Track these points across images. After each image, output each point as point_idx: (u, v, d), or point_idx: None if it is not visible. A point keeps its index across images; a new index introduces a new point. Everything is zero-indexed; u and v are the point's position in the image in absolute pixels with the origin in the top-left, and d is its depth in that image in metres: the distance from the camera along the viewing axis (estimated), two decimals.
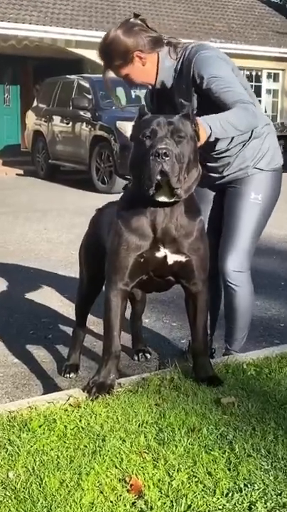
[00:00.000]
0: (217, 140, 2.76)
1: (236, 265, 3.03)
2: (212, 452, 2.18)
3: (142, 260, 2.62)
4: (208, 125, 2.62)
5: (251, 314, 3.24)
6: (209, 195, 3.18)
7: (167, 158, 2.39)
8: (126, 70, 2.86)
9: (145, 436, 2.27)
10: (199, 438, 2.26)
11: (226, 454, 2.18)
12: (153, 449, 2.20)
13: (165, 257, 2.63)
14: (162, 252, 2.63)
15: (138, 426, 2.35)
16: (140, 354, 3.63)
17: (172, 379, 2.74)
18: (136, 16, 2.90)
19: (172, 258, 2.64)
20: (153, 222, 2.58)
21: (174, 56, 2.90)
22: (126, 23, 2.86)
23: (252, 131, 2.95)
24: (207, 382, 2.71)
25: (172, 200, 2.53)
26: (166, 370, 2.85)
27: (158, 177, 2.41)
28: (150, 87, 3.00)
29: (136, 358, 3.62)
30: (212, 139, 2.67)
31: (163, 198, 2.52)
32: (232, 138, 2.90)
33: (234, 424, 2.37)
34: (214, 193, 3.18)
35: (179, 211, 2.60)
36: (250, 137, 2.97)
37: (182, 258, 2.65)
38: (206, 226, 2.87)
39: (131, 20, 2.88)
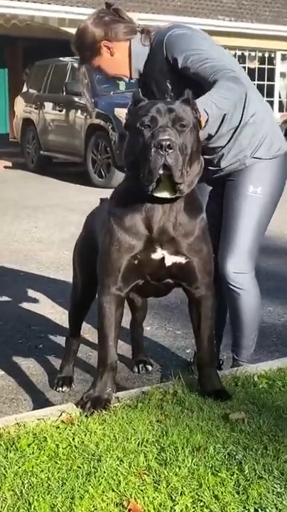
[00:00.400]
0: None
1: (237, 266, 3.04)
2: (219, 473, 2.18)
3: (136, 262, 2.62)
4: (203, 109, 2.62)
5: (259, 319, 3.24)
6: (205, 190, 3.18)
7: (170, 151, 2.38)
8: (96, 61, 3.03)
9: (145, 456, 2.27)
10: (205, 458, 2.26)
11: (235, 475, 2.17)
12: (154, 470, 2.20)
13: (163, 258, 2.63)
14: (159, 254, 2.63)
15: (138, 444, 2.35)
16: (140, 365, 3.63)
17: (176, 393, 2.74)
18: (108, 5, 3.03)
19: (170, 260, 2.64)
20: (148, 220, 2.58)
21: (147, 42, 2.97)
22: (96, 13, 3.03)
23: (242, 117, 2.96)
24: (214, 396, 2.71)
25: (174, 196, 2.53)
26: (169, 383, 2.85)
27: (161, 171, 2.40)
28: (126, 78, 3.07)
29: (136, 369, 3.63)
30: (210, 122, 2.67)
31: (164, 194, 2.51)
32: (219, 125, 2.92)
33: (244, 442, 2.37)
34: (210, 188, 3.18)
35: (178, 208, 2.60)
36: (240, 122, 2.97)
37: (181, 260, 2.65)
38: None
39: (103, 9, 3.04)
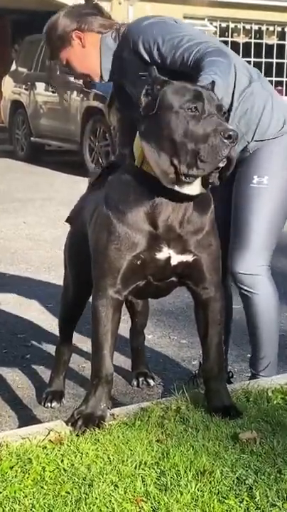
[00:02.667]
0: None
1: (246, 266, 3.05)
2: (226, 500, 2.17)
3: (139, 262, 2.62)
4: None
5: (278, 327, 3.23)
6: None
7: (234, 143, 2.42)
8: (65, 53, 3.10)
9: (143, 481, 2.26)
10: (210, 483, 2.25)
11: (245, 502, 2.16)
12: (153, 497, 2.19)
13: (169, 258, 2.63)
14: (165, 253, 2.63)
15: (135, 467, 2.34)
16: (141, 379, 3.63)
17: (179, 409, 2.73)
18: (88, 1, 3.17)
19: (176, 259, 2.64)
20: (155, 215, 2.58)
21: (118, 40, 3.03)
22: (71, 6, 3.21)
23: (233, 94, 2.97)
24: (222, 413, 2.70)
25: (202, 192, 2.55)
26: (171, 399, 2.84)
27: (221, 164, 2.44)
28: (96, 79, 3.13)
29: (135, 383, 3.63)
30: None
31: (193, 190, 2.52)
32: None
33: (255, 465, 2.36)
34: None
35: (188, 203, 2.60)
36: (232, 101, 2.98)
37: (188, 257, 2.65)
38: None
39: (81, 4, 3.21)
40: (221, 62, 2.75)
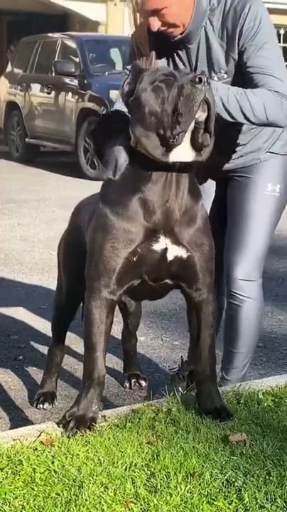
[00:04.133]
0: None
1: (246, 272, 3.05)
2: (215, 502, 2.18)
3: (135, 258, 2.60)
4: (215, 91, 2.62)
5: (258, 336, 3.24)
6: (210, 189, 3.18)
7: (209, 86, 2.38)
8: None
9: (133, 482, 2.27)
10: (200, 485, 2.26)
11: (234, 504, 2.18)
12: (142, 498, 2.20)
13: (165, 250, 2.61)
14: (162, 244, 2.61)
15: (125, 469, 2.35)
16: (132, 380, 3.64)
17: (170, 411, 2.74)
18: None
19: (172, 252, 2.62)
20: (151, 201, 2.55)
21: (214, 1, 2.84)
22: None
23: None
24: (213, 415, 2.71)
25: (195, 159, 2.51)
26: (162, 400, 2.85)
27: (202, 113, 2.40)
28: (177, 32, 2.81)
29: (127, 384, 3.63)
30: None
31: (189, 154, 2.49)
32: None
33: (245, 467, 2.37)
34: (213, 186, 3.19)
35: (185, 185, 2.58)
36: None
37: (182, 252, 2.63)
38: None
39: None
40: (266, 114, 2.74)
